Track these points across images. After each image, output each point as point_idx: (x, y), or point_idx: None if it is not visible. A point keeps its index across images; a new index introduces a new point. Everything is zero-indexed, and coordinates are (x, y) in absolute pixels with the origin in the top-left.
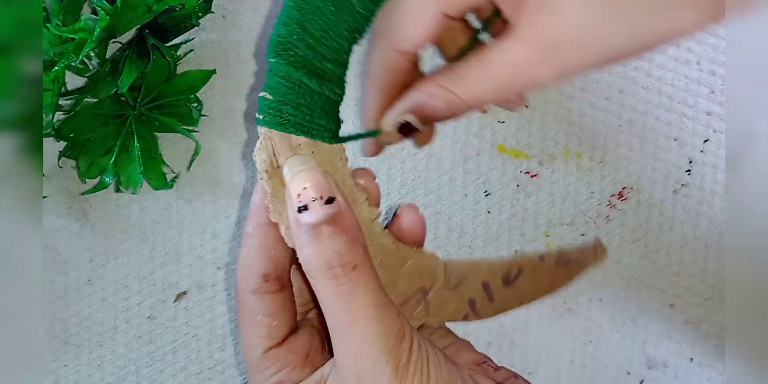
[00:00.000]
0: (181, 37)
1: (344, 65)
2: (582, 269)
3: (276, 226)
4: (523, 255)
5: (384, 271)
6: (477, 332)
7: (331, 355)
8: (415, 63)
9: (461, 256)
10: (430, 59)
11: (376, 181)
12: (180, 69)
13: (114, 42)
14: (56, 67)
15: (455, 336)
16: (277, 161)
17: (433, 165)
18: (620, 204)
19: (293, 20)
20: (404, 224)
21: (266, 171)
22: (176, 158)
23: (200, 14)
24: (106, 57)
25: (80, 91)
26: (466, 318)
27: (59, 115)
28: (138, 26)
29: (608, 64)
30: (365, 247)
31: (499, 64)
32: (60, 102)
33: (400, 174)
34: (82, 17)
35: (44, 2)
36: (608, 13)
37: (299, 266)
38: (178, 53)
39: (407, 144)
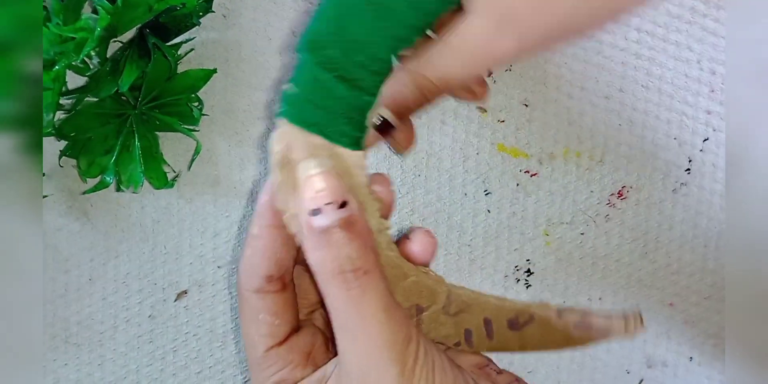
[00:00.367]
0: (181, 36)
1: (381, 74)
2: (605, 338)
3: (282, 228)
4: (541, 303)
5: None
6: None
7: (334, 354)
8: None
9: (461, 255)
10: None
11: (392, 188)
12: (181, 68)
13: (115, 41)
14: (57, 67)
15: None
16: (290, 154)
17: (432, 164)
18: (620, 203)
19: (330, 17)
20: (414, 248)
21: (278, 162)
22: (177, 157)
23: (201, 13)
24: (107, 56)
25: (81, 91)
26: (457, 345)
27: (60, 115)
28: (139, 25)
29: (570, 36)
30: (376, 252)
31: (460, 41)
32: (61, 101)
33: (400, 173)
34: (83, 16)
35: (45, 1)
36: None
37: (305, 267)
38: (178, 52)
39: None
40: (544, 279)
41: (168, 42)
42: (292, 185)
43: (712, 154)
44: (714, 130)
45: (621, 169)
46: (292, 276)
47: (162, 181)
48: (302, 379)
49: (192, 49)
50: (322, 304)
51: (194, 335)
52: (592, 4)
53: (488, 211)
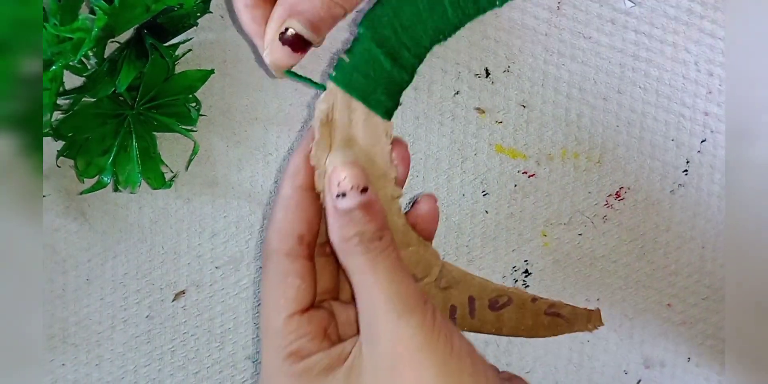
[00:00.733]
0: (179, 36)
1: (419, 57)
2: (569, 329)
3: (312, 189)
4: (518, 288)
5: None
6: None
7: (349, 337)
8: None
9: (459, 256)
10: None
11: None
12: (178, 69)
13: (112, 42)
14: (54, 67)
15: None
16: (332, 114)
17: (430, 165)
18: (617, 204)
19: (390, 4)
20: (421, 211)
21: (321, 120)
22: (174, 158)
23: (198, 14)
24: (105, 56)
25: (78, 91)
26: None
27: (57, 115)
28: (136, 26)
29: None
30: (389, 229)
31: None
32: (58, 101)
33: None
34: (80, 17)
35: (42, 2)
36: None
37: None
38: (176, 53)
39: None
40: (542, 280)
41: (165, 42)
42: (328, 144)
43: (710, 156)
44: (712, 132)
45: (619, 171)
46: (315, 250)
47: (160, 182)
48: (318, 352)
49: (190, 50)
50: (332, 294)
51: (192, 335)
52: None
53: (486, 212)
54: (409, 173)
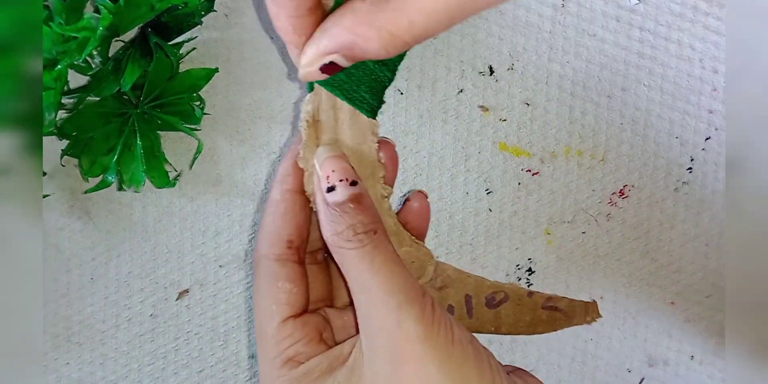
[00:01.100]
0: (183, 35)
1: (401, 56)
2: (567, 323)
3: (301, 193)
4: (514, 284)
5: None
6: None
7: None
8: None
9: (463, 254)
10: None
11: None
12: (182, 67)
13: (117, 40)
14: (59, 66)
15: None
16: (318, 115)
17: (434, 163)
18: (621, 202)
19: None
20: (412, 208)
21: (307, 121)
22: (179, 156)
23: (203, 13)
24: (109, 55)
25: (83, 90)
26: None
27: (62, 114)
28: (141, 25)
29: None
30: (381, 221)
31: None
32: (63, 100)
33: (402, 172)
34: (85, 16)
35: (47, 1)
36: None
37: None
38: (180, 52)
39: (408, 142)
40: (546, 278)
41: (170, 41)
42: (315, 145)
43: (714, 153)
44: (716, 129)
45: (623, 168)
46: (305, 256)
47: (164, 181)
48: (316, 355)
49: (194, 48)
50: (326, 302)
51: (196, 334)
52: None
53: (490, 210)
54: (413, 171)
